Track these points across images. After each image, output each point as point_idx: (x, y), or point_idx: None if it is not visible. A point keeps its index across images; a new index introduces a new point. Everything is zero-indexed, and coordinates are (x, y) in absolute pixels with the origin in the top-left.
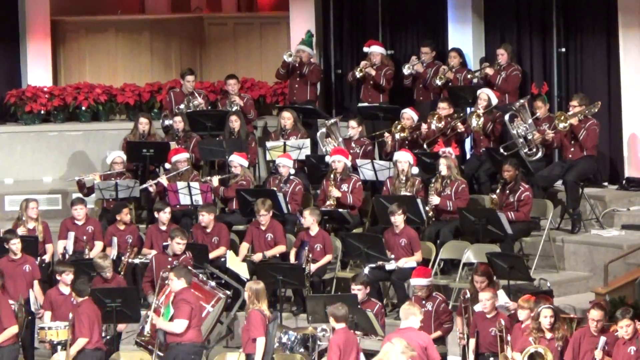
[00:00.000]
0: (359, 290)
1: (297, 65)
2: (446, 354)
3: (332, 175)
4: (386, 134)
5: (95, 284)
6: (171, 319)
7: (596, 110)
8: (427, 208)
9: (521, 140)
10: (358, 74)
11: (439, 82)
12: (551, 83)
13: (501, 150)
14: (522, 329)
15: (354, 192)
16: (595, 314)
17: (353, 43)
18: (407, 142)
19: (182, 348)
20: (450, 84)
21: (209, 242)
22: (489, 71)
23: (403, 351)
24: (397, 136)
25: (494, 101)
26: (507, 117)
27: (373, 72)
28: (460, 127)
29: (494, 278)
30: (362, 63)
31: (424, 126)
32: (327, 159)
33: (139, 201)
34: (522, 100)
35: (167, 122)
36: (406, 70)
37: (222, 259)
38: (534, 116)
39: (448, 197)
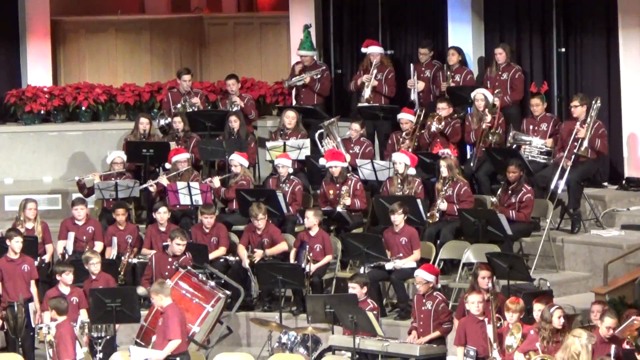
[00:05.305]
0: (353, 289)
1: (306, 83)
2: (446, 354)
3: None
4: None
5: (88, 283)
6: None
7: (598, 105)
8: (434, 212)
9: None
10: (367, 95)
11: (444, 89)
12: (551, 83)
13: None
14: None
15: (357, 194)
16: (610, 322)
17: (353, 43)
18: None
19: None
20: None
21: (208, 242)
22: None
23: (589, 340)
24: (433, 128)
25: (491, 100)
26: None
27: (376, 83)
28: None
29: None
30: (365, 77)
31: (434, 127)
32: (322, 162)
33: (139, 201)
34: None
35: (162, 122)
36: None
37: (222, 259)
38: (531, 115)
39: (450, 198)
